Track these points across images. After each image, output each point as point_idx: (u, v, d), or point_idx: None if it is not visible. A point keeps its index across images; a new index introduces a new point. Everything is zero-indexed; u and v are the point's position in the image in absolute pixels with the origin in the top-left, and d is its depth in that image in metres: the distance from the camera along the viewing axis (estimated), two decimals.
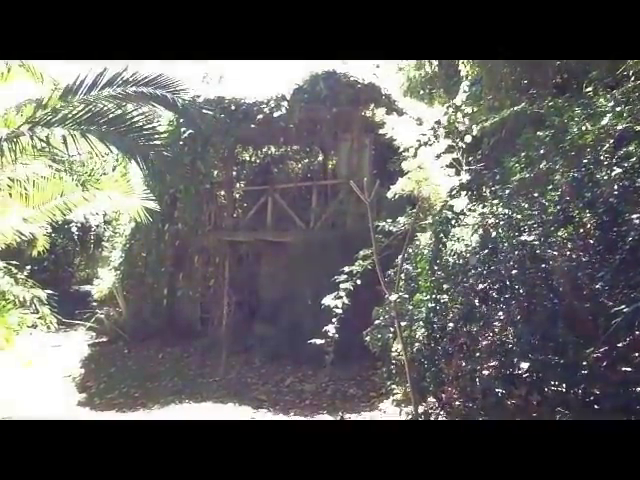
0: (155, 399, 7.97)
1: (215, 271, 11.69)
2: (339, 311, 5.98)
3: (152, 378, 9.17)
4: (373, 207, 5.42)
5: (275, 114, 10.15)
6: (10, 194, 6.10)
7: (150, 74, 4.89)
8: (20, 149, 4.80)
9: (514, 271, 4.41)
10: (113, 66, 4.98)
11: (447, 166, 8.23)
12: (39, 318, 7.35)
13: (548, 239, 4.36)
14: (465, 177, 7.84)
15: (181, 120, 9.72)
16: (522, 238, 4.23)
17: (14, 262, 8.42)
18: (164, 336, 11.65)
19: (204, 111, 6.18)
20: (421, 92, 14.61)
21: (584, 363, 3.89)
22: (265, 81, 10.98)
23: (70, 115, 4.72)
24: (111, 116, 4.83)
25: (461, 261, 5.13)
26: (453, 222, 4.98)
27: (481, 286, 4.72)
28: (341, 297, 6.13)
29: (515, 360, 4.08)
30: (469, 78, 11.85)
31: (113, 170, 12.42)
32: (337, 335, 5.90)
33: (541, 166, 4.87)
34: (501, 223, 4.85)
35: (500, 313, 4.36)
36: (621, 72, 8.05)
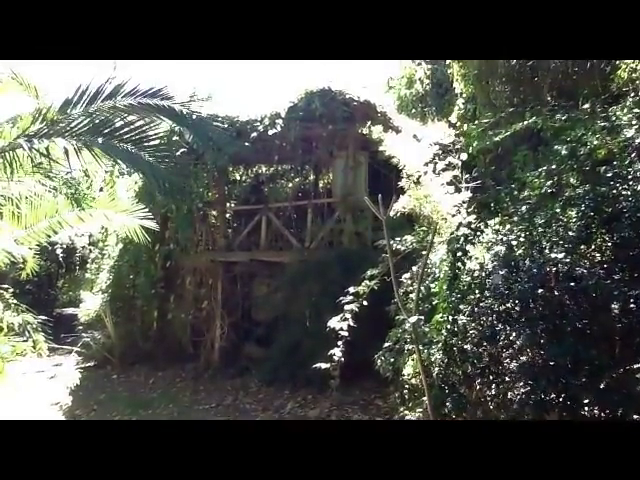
0: None
1: (208, 292, 11.37)
2: (345, 334, 5.75)
3: (145, 405, 8.77)
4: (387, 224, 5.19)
5: (270, 132, 9.97)
6: (1, 213, 5.77)
7: (154, 86, 4.66)
8: (17, 163, 4.51)
9: (539, 290, 4.22)
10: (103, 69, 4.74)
11: (447, 183, 8.14)
12: (32, 346, 6.97)
13: (573, 256, 4.18)
14: (467, 194, 7.74)
15: (174, 138, 9.47)
16: (552, 255, 4.03)
17: (4, 286, 8.06)
18: (154, 360, 11.32)
19: (215, 124, 5.94)
20: (413, 110, 14.60)
21: (620, 385, 3.71)
22: (258, 99, 10.85)
23: (70, 127, 4.45)
24: (114, 127, 4.57)
25: (478, 280, 4.94)
26: (470, 239, 4.78)
27: (502, 306, 4.52)
28: (347, 319, 5.92)
29: (545, 384, 3.85)
30: (463, 95, 11.83)
31: (100, 190, 12.08)
32: (343, 359, 5.69)
33: (562, 181, 4.74)
34: (521, 240, 4.67)
35: (524, 334, 4.14)
36: (619, 88, 8.05)
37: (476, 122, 6.65)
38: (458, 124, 11.54)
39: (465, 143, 6.33)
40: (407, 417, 5.61)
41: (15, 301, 7.45)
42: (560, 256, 3.97)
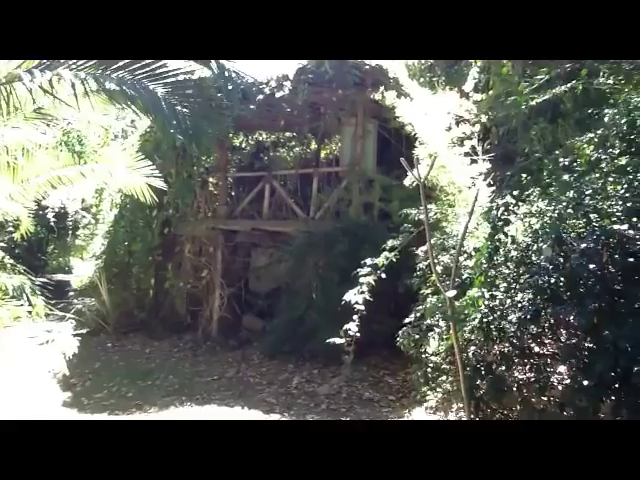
0: (151, 400, 7.20)
1: (207, 261, 10.94)
2: (361, 307, 5.44)
3: (143, 376, 8.39)
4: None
5: (277, 94, 9.43)
6: None
7: None
8: (14, 102, 3.96)
9: (591, 265, 3.85)
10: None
11: (465, 154, 7.79)
12: (29, 311, 6.50)
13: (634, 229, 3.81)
14: (485, 165, 7.40)
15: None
16: (615, 227, 3.65)
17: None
18: (150, 329, 10.96)
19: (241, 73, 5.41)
20: (421, 80, 14.04)
21: None
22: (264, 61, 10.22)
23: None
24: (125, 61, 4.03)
25: (514, 254, 4.58)
26: (512, 208, 4.39)
27: (546, 283, 4.16)
28: (363, 292, 5.60)
29: (602, 368, 3.51)
30: (478, 64, 11.33)
31: (101, 147, 11.50)
32: (359, 334, 5.37)
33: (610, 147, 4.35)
34: (569, 210, 4.29)
35: (577, 314, 3.78)
36: None
37: (528, 80, 6.19)
38: (471, 94, 11.07)
39: (515, 103, 5.88)
40: (429, 397, 5.31)
41: (12, 261, 6.96)
42: (623, 227, 3.58)
